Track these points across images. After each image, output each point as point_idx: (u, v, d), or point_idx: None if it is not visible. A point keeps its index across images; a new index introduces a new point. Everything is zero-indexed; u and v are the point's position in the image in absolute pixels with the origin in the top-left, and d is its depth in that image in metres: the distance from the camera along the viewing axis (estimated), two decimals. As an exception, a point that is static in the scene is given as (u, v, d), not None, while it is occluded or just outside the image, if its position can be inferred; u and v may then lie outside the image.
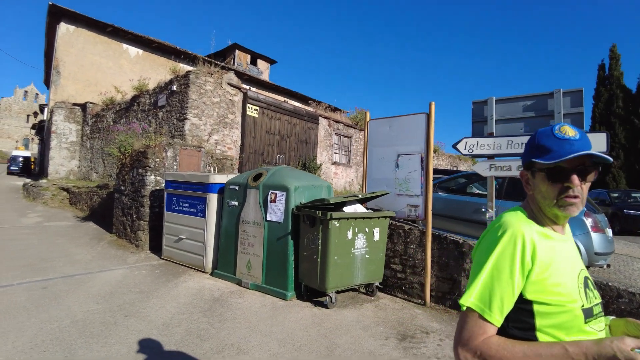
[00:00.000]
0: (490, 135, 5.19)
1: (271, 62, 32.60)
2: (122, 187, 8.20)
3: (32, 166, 38.75)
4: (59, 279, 5.37)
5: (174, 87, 9.91)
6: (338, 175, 14.04)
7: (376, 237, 5.14)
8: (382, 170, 5.74)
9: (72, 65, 19.15)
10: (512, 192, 6.53)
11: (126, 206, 7.97)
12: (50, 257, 6.45)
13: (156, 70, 21.28)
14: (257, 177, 5.60)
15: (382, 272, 5.32)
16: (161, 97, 10.49)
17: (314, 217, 4.77)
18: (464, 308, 1.17)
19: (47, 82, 30.64)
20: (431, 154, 5.31)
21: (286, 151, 12.04)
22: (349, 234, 4.82)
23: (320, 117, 13.39)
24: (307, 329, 4.13)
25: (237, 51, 29.43)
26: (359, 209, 5.15)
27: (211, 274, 6.01)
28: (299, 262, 5.09)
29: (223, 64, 22.19)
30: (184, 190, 6.48)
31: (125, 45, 20.78)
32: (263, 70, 32.00)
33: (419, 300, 5.26)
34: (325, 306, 4.81)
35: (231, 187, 5.83)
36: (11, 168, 34.93)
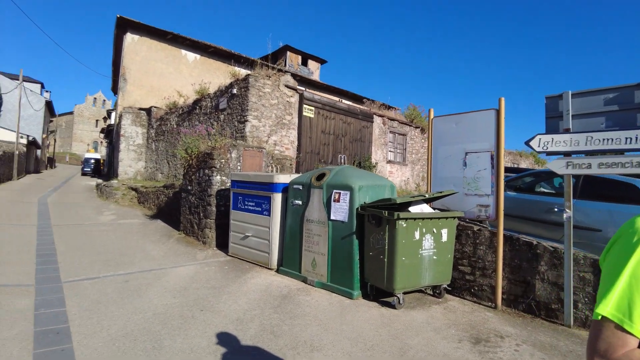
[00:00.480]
0: (567, 131, 4.88)
1: (321, 61, 32.79)
2: (189, 187, 8.60)
3: (102, 167, 41.70)
4: (138, 273, 5.74)
5: (234, 91, 10.24)
6: (393, 174, 13.86)
7: (444, 237, 5.02)
8: (448, 169, 5.59)
9: (136, 72, 20.35)
10: (588, 191, 6.11)
11: (193, 205, 8.35)
12: (127, 253, 6.91)
13: (213, 74, 22.10)
14: (320, 177, 5.66)
15: (450, 273, 5.19)
16: (222, 100, 10.88)
17: (380, 217, 4.74)
18: (599, 317, 1.11)
19: (115, 89, 32.79)
20: (502, 151, 5.09)
21: (341, 150, 12.06)
22: (417, 235, 4.74)
23: (374, 116, 13.28)
24: (377, 329, 4.11)
25: (288, 52, 29.89)
26: (425, 209, 5.05)
27: (277, 271, 6.15)
28: (364, 261, 5.09)
29: (275, 66, 22.64)
30: (249, 189, 6.69)
31: (184, 51, 21.74)
32: (313, 70, 32.27)
33: (490, 303, 5.07)
34: (392, 307, 4.77)
35: (295, 186, 5.93)
36: (84, 169, 37.91)
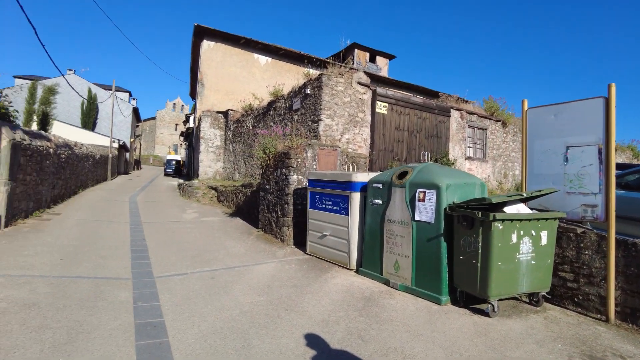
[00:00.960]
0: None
1: (389, 57, 32.19)
2: (267, 186, 8.76)
3: (182, 168, 44.55)
4: (223, 270, 5.91)
5: (308, 91, 10.28)
6: (472, 172, 13.11)
7: (543, 241, 4.54)
8: (546, 165, 5.07)
9: (213, 77, 21.36)
10: None
11: (271, 203, 8.49)
12: (211, 250, 7.17)
13: (284, 76, 22.60)
14: (402, 175, 5.42)
15: (549, 280, 4.69)
16: (296, 100, 10.98)
17: (473, 218, 4.39)
18: None
19: (193, 94, 34.80)
20: (612, 145, 4.49)
21: (416, 147, 11.63)
22: (514, 238, 4.33)
23: (451, 109, 12.65)
24: (472, 339, 3.81)
25: (356, 50, 29.71)
26: (521, 209, 4.60)
27: (356, 272, 6.01)
28: (452, 265, 4.77)
29: (343, 64, 22.53)
30: (327, 188, 6.62)
31: (256, 55, 22.43)
32: (382, 66, 31.77)
33: (599, 316, 4.50)
34: (486, 315, 4.41)
35: (374, 185, 5.74)
36: (166, 170, 40.72)
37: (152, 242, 7.65)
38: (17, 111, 11.07)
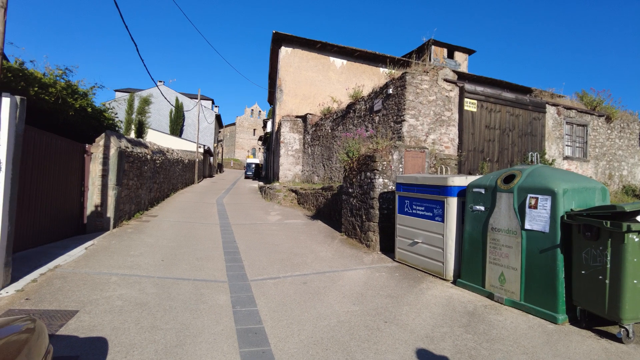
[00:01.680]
0: None
1: (469, 52, 30.64)
2: (350, 190, 8.61)
3: (260, 171, 46.24)
4: (313, 275, 5.84)
5: (390, 91, 9.97)
6: (572, 172, 11.83)
7: (692, 255, 3.82)
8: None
9: (290, 82, 21.80)
10: None
11: (355, 207, 8.32)
12: (299, 253, 7.18)
13: (359, 77, 22.44)
14: (509, 179, 4.93)
15: (699, 302, 3.94)
16: (377, 101, 10.72)
17: (599, 227, 3.83)
18: None
19: (271, 100, 35.93)
20: None
21: (508, 146, 10.77)
22: (654, 251, 3.69)
23: (546, 105, 11.54)
24: (607, 369, 3.29)
25: (433, 47, 28.65)
26: (661, 217, 3.92)
27: (453, 283, 5.62)
28: (571, 280, 4.21)
29: (419, 62, 21.87)
30: (418, 193, 6.29)
31: (331, 58, 22.50)
32: (460, 62, 30.33)
33: None
34: (618, 340, 3.81)
35: (475, 190, 5.31)
36: (247, 173, 42.52)
37: (242, 244, 7.87)
38: (122, 121, 12.15)
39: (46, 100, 6.67)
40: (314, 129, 16.99)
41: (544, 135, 11.49)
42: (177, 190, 18.53)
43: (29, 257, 5.80)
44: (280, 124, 19.52)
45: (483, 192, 5.18)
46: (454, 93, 10.04)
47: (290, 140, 18.73)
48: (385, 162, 7.54)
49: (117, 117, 10.62)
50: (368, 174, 7.82)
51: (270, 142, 35.82)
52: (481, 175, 5.58)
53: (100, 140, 8.31)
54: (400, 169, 7.67)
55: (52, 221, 6.92)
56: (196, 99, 40.76)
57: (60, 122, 7.43)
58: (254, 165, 43.22)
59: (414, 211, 6.37)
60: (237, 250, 7.34)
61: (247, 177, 41.72)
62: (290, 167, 18.61)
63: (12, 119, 4.56)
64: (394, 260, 6.80)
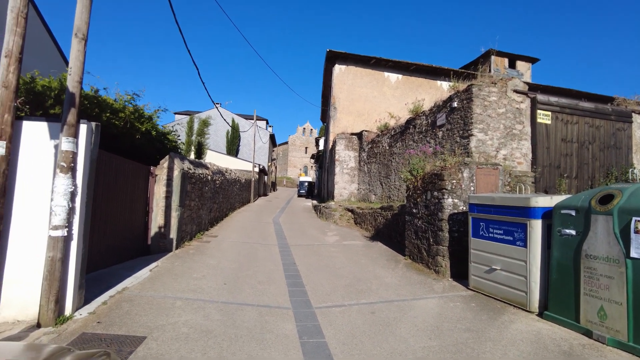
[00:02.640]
0: None
1: (532, 60, 29.29)
2: (414, 210, 8.24)
3: (313, 189, 46.50)
4: (381, 304, 5.52)
5: (455, 104, 9.54)
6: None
7: None
8: None
9: (344, 100, 21.83)
10: None
11: (420, 229, 7.93)
12: (363, 278, 6.89)
13: (415, 92, 22.03)
14: (605, 199, 4.38)
15: None
16: (440, 116, 10.31)
17: None
18: None
19: (324, 118, 36.25)
20: None
21: (588, 161, 9.86)
22: None
23: (633, 114, 10.50)
24: None
25: (492, 57, 27.62)
26: None
27: (539, 315, 5.05)
28: (697, 319, 3.58)
29: (475, 72, 21.20)
30: (494, 214, 5.81)
31: (386, 73, 22.31)
32: (523, 71, 29.02)
33: None
34: None
35: (564, 211, 4.78)
36: (300, 191, 42.93)
37: (302, 266, 7.73)
38: (183, 143, 12.63)
39: (116, 125, 7.01)
40: (370, 146, 16.76)
41: (631, 148, 10.42)
42: (234, 209, 18.94)
43: (99, 279, 6.00)
44: (334, 142, 19.51)
45: (574, 214, 4.64)
46: (525, 105, 9.41)
47: (346, 158, 18.60)
48: (454, 181, 7.12)
49: (179, 139, 11.03)
50: (435, 193, 7.43)
51: (323, 160, 36.00)
52: (569, 195, 5.04)
53: (164, 163, 8.61)
54: (472, 188, 7.20)
55: (120, 242, 7.17)
56: (251, 119, 42.16)
57: (127, 145, 7.78)
58: (306, 184, 43.57)
59: (491, 234, 5.89)
60: (298, 273, 7.20)
61: (300, 195, 42.08)
62: (345, 185, 18.43)
63: (88, 145, 4.76)
64: (468, 289, 6.31)
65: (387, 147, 14.40)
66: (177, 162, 8.85)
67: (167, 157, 8.67)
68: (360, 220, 13.88)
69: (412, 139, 12.10)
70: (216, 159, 28.40)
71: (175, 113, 48.39)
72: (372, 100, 22.01)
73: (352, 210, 15.08)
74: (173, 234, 8.59)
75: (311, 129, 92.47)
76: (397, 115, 14.19)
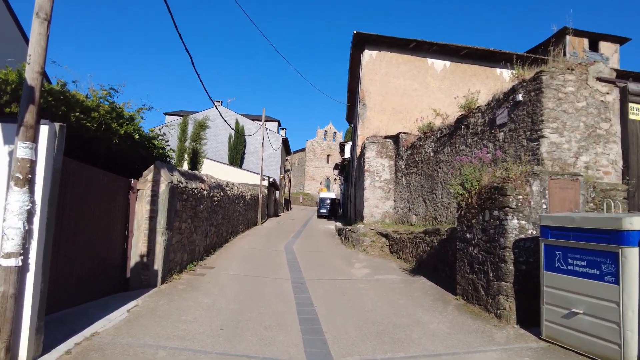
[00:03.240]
0: None
1: (620, 41, 28.69)
2: (468, 235, 8.03)
3: (337, 208, 46.35)
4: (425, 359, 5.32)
5: (519, 97, 9.33)
6: None
7: None
8: None
9: (376, 94, 21.79)
10: None
11: (476, 260, 7.71)
12: (400, 324, 6.70)
13: (467, 82, 21.77)
14: None
15: None
16: (500, 112, 10.11)
17: None
18: None
19: (350, 118, 36.39)
20: None
21: (700, 170, 9.44)
22: None
23: None
24: None
25: (567, 37, 27.16)
26: None
27: (641, 378, 4.75)
28: None
29: (551, 57, 20.77)
30: (575, 240, 5.57)
31: (430, 60, 22.20)
32: (609, 55, 28.43)
33: None
34: None
35: (671, 236, 4.51)
36: (320, 211, 42.80)
37: (321, 307, 7.63)
38: (173, 150, 12.74)
39: (88, 127, 7.08)
40: (409, 152, 16.60)
41: None
42: (237, 233, 19.05)
43: (63, 320, 5.99)
44: (364, 147, 19.42)
45: (687, 240, 4.37)
46: (612, 96, 9.11)
47: (378, 168, 18.47)
48: (520, 196, 6.90)
49: (168, 146, 11.14)
50: (495, 212, 7.22)
51: (349, 171, 35.98)
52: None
53: (149, 174, 8.67)
54: (543, 206, 6.96)
55: (91, 274, 7.20)
56: (259, 120, 42.54)
57: (102, 153, 7.86)
58: (329, 201, 43.53)
59: (570, 267, 5.65)
60: (316, 316, 7.08)
61: (320, 216, 42.09)
62: (378, 202, 18.27)
63: (50, 151, 4.79)
64: (540, 339, 6.05)
65: (432, 154, 14.22)
66: (164, 173, 8.90)
67: (152, 167, 8.72)
68: (397, 248, 13.70)
69: (464, 143, 11.90)
70: (215, 169, 28.66)
71: (166, 114, 49.49)
72: (412, 94, 21.93)
73: (386, 235, 14.94)
74: (158, 265, 8.59)
75: (334, 132, 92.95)
76: (444, 112, 13.96)
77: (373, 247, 15.01)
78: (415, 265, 11.87)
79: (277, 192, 45.35)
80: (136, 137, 8.57)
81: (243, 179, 31.17)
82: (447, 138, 13.10)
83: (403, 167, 17.23)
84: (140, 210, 8.54)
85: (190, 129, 22.38)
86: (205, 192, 12.15)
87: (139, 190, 8.57)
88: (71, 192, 6.34)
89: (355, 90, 28.53)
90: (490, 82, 22.22)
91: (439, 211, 13.40)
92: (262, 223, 27.97)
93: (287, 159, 66.14)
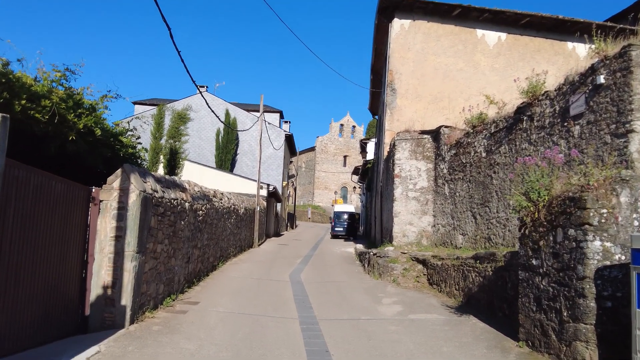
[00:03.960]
0: None
1: None
2: (533, 261, 7.98)
3: (356, 225, 46.10)
4: None
5: (601, 79, 9.25)
6: None
7: None
8: None
9: (409, 76, 21.79)
10: None
11: (544, 294, 7.65)
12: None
13: (528, 61, 21.78)
14: None
15: None
16: (574, 99, 10.03)
17: None
18: None
19: (374, 108, 36.36)
20: None
21: None
22: None
23: None
24: None
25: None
26: None
27: None
28: None
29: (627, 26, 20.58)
30: (680, 269, 5.49)
31: (479, 32, 22.18)
32: None
33: None
34: None
35: None
36: (335, 229, 42.52)
37: (340, 356, 7.61)
38: (146, 150, 12.79)
39: (36, 119, 7.11)
40: (453, 152, 16.50)
41: None
42: (228, 258, 19.13)
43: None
44: (393, 146, 19.34)
45: None
46: None
47: (412, 173, 18.36)
48: (604, 210, 6.83)
49: (140, 144, 11.19)
50: (571, 231, 7.15)
51: (373, 177, 35.82)
52: None
53: (115, 181, 8.67)
54: (635, 223, 6.89)
55: (38, 311, 7.18)
56: (255, 111, 42.68)
57: (55, 152, 7.89)
58: (346, 216, 43.46)
59: (674, 304, 5.56)
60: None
61: (335, 235, 42.24)
62: (412, 218, 18.15)
63: (-12, 151, 4.80)
64: (634, 400, 5.94)
65: (484, 154, 14.10)
66: (135, 179, 8.89)
67: (118, 171, 8.73)
68: (439, 278, 13.65)
69: (527, 139, 11.79)
70: (199, 175, 28.66)
71: (135, 103, 49.53)
72: (456, 76, 22.01)
73: (423, 262, 14.88)
74: (126, 299, 8.57)
75: (353, 126, 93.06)
76: (500, 99, 13.87)
77: (406, 277, 14.95)
78: (462, 301, 11.80)
79: (279, 205, 45.27)
80: (98, 132, 8.62)
81: (235, 187, 31.18)
82: (505, 133, 12.98)
83: (445, 171, 17.13)
84: (104, 227, 8.55)
85: (167, 121, 22.56)
86: (187, 205, 12.15)
87: (102, 201, 8.58)
88: (15, 207, 6.34)
89: (381, 72, 28.51)
90: (560, 60, 22.08)
91: (494, 229, 13.27)
92: (259, 245, 27.94)
93: (291, 161, 66.26)
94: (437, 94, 21.63)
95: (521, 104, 12.30)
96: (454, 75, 21.84)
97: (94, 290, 8.44)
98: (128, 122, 11.00)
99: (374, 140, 41.36)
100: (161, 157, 20.76)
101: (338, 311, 11.00)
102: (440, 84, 21.72)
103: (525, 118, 12.09)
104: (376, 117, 37.42)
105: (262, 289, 13.43)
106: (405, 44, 21.79)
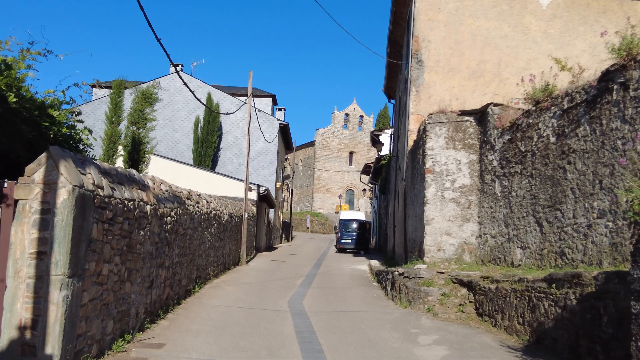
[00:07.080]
0: None
1: None
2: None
3: (368, 236, 45.39)
4: None
5: None
6: None
7: None
8: None
9: (439, 45, 21.30)
10: None
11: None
12: None
13: (592, 25, 21.70)
14: None
15: None
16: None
17: None
18: None
19: (390, 90, 35.37)
20: None
21: None
22: None
23: None
24: None
25: None
26: None
27: None
28: None
29: None
30: None
31: (531, -12, 21.82)
32: None
33: None
34: None
35: None
36: (342, 241, 42.15)
37: None
38: (95, 139, 11.59)
39: None
40: (507, 137, 15.25)
41: None
42: (207, 279, 18.43)
43: None
44: (422, 132, 18.17)
45: None
46: None
47: (450, 166, 17.18)
48: None
49: (81, 122, 10.23)
50: None
51: (388, 176, 35.05)
52: None
53: (36, 171, 7.42)
54: None
55: None
56: (241, 95, 41.73)
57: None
58: (355, 225, 43.56)
59: None
60: None
61: (342, 249, 42.26)
62: (449, 226, 16.96)
63: None
64: None
65: (553, 138, 12.83)
66: (66, 170, 7.57)
67: (42, 157, 7.48)
68: (493, 307, 12.61)
69: (620, 116, 10.46)
70: (172, 172, 27.67)
71: (95, 86, 48.54)
72: (500, 43, 21.61)
73: (469, 285, 13.94)
74: (53, 346, 7.32)
75: (360, 116, 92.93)
76: (577, 63, 12.67)
77: (445, 306, 13.97)
78: (530, 340, 10.76)
79: (272, 211, 44.71)
80: (12, 98, 7.48)
81: (218, 188, 30.40)
82: (585, 109, 11.67)
83: (496, 163, 15.94)
84: (20, 239, 7.30)
85: (128, 103, 21.31)
86: (149, 208, 10.92)
87: (18, 201, 7.35)
88: None
89: (401, 42, 27.89)
90: (632, 23, 21.25)
91: (569, 241, 11.97)
92: (248, 261, 27.44)
93: (286, 158, 65.67)
94: (475, 66, 21.19)
95: (610, 66, 11.00)
96: (496, 43, 21.50)
97: (6, 332, 7.18)
98: (64, 92, 9.77)
99: (389, 131, 40.93)
100: (120, 148, 19.51)
101: (359, 357, 9.94)
102: (479, 54, 21.38)
103: (616, 87, 10.77)
104: (391, 101, 37.07)
105: (253, 323, 12.38)
106: (435, 3, 21.34)
